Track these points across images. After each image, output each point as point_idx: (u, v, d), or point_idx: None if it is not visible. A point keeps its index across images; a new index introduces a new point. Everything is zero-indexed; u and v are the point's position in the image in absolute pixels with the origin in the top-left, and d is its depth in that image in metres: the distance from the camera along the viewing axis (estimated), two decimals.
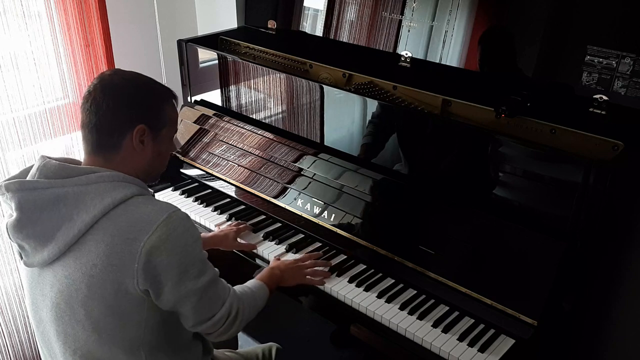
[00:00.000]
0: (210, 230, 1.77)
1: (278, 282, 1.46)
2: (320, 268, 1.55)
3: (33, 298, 1.18)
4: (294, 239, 1.69)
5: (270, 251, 1.64)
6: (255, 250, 1.66)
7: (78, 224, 1.07)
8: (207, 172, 1.98)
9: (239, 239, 1.67)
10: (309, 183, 1.73)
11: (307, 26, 2.01)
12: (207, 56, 2.06)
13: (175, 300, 1.13)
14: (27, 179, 1.12)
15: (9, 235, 1.12)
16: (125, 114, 1.14)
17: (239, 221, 1.76)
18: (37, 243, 1.10)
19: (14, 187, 1.09)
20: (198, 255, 1.15)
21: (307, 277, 1.51)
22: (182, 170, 2.04)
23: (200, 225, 1.80)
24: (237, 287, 1.32)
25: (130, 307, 1.11)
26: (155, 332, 1.17)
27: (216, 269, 1.22)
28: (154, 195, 1.21)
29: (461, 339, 1.34)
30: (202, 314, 1.18)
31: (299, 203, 1.73)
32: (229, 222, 1.77)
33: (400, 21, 1.74)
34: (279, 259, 1.57)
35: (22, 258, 1.15)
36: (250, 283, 1.39)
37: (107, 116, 1.13)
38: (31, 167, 1.15)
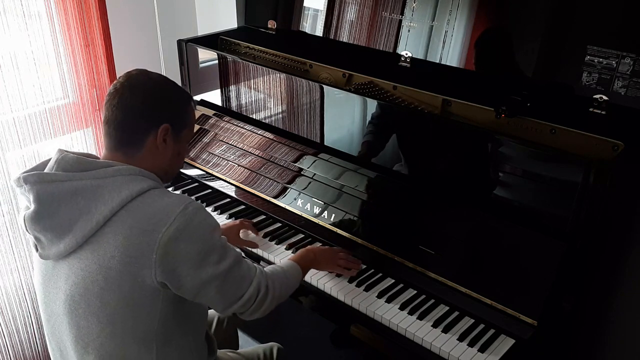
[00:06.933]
0: None
1: (311, 264, 1.48)
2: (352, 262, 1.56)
3: (46, 291, 1.19)
4: (293, 239, 1.69)
5: (276, 254, 1.64)
6: (259, 252, 1.66)
7: (96, 217, 1.09)
8: (207, 172, 1.98)
9: (241, 236, 1.67)
10: (309, 183, 1.73)
11: (307, 26, 2.01)
12: (207, 56, 2.06)
13: (198, 287, 1.14)
14: (45, 171, 1.13)
15: (25, 227, 1.12)
16: (152, 113, 1.17)
17: (244, 219, 1.75)
18: (54, 235, 1.11)
19: (33, 179, 1.10)
20: (217, 242, 1.16)
21: (339, 266, 1.53)
22: (182, 170, 2.04)
23: None
24: (268, 267, 1.34)
25: (145, 299, 1.12)
26: (169, 324, 1.18)
27: (238, 249, 1.22)
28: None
29: (461, 339, 1.34)
30: (230, 295, 1.19)
31: (299, 203, 1.73)
32: (233, 219, 1.77)
33: (400, 21, 1.74)
34: None
35: (37, 250, 1.15)
36: (282, 262, 1.42)
37: (134, 114, 1.16)
38: (48, 160, 1.16)
